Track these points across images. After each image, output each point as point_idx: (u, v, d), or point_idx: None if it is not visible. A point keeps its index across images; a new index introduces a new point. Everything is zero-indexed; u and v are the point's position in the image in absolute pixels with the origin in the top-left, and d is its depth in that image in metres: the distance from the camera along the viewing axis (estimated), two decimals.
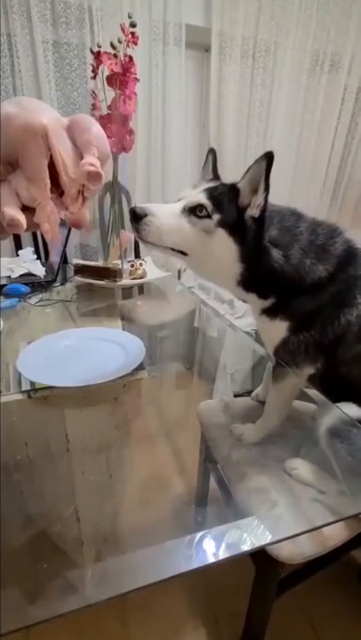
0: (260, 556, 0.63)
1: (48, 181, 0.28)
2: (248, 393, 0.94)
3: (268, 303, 0.62)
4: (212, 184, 0.59)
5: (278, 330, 0.62)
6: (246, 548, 0.40)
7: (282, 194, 2.10)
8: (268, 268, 0.56)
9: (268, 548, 0.58)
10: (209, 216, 0.54)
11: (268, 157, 0.49)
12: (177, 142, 1.87)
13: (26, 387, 0.67)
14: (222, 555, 0.39)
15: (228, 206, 0.54)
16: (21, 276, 1.21)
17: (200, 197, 0.55)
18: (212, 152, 0.66)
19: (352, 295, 0.58)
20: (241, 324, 1.53)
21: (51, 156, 0.28)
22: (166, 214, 0.55)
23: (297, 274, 0.57)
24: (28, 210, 0.29)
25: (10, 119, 0.26)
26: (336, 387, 0.64)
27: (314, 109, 2.04)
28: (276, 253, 0.56)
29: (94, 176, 0.29)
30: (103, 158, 0.30)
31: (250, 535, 0.42)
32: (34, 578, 0.37)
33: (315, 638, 0.90)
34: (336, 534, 0.62)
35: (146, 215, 0.54)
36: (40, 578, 0.37)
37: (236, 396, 1.44)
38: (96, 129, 0.30)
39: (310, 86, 1.99)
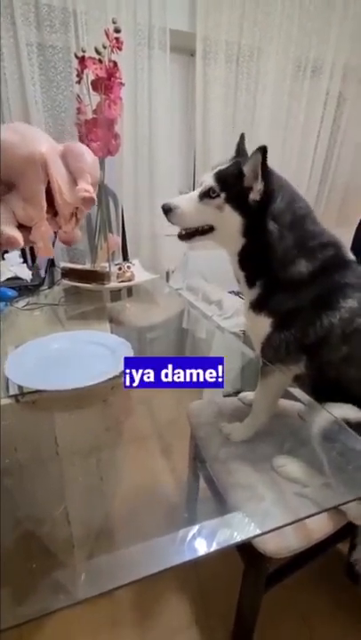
0: (247, 551, 0.65)
1: (45, 204, 0.31)
2: (237, 393, 0.96)
3: (254, 294, 0.66)
4: (225, 165, 0.65)
5: (263, 326, 0.65)
6: (234, 541, 0.42)
7: None
8: (262, 238, 0.61)
9: (256, 543, 0.60)
10: (218, 195, 0.62)
11: (262, 151, 0.57)
12: (164, 145, 1.89)
13: (14, 391, 0.67)
14: (211, 548, 0.40)
15: (234, 184, 0.61)
16: (8, 279, 1.20)
17: (210, 181, 0.63)
18: (241, 137, 0.73)
19: (335, 299, 0.60)
20: (229, 325, 1.55)
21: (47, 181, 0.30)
22: (187, 203, 0.65)
23: (283, 257, 0.61)
24: (22, 227, 0.30)
25: (10, 147, 0.28)
26: (328, 389, 0.65)
27: (297, 114, 2.09)
28: (273, 226, 0.61)
29: (89, 201, 0.32)
30: (95, 183, 0.33)
31: (237, 529, 0.44)
32: (26, 577, 0.37)
33: (305, 631, 0.92)
34: (320, 527, 0.64)
35: (171, 209, 0.65)
36: (32, 577, 0.37)
37: (225, 396, 1.46)
38: (89, 157, 0.32)
39: (293, 91, 2.04)
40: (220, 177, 0.62)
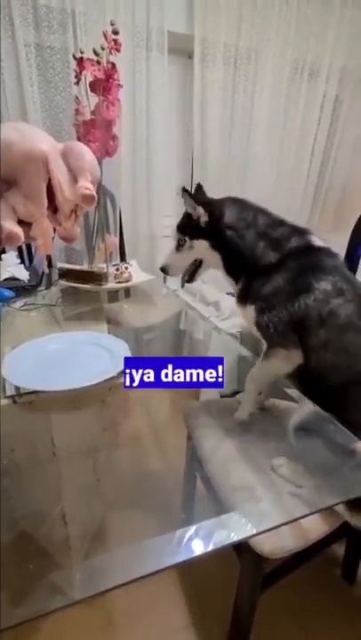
0: (244, 551, 0.65)
1: (46, 201, 0.31)
2: (233, 394, 0.96)
3: (238, 288, 0.76)
4: (179, 220, 0.82)
5: (250, 313, 0.73)
6: (230, 541, 0.42)
7: (265, 198, 2.14)
8: (226, 245, 0.74)
9: (252, 543, 0.60)
10: (185, 241, 0.80)
11: (185, 191, 0.76)
12: (162, 146, 1.89)
13: (11, 392, 0.67)
14: (207, 548, 0.40)
15: (189, 225, 0.79)
16: (5, 280, 1.20)
17: (176, 235, 0.82)
18: (198, 187, 0.87)
19: (308, 282, 0.66)
20: (226, 326, 1.55)
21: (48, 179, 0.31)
22: (172, 258, 0.84)
23: (250, 252, 0.72)
24: (21, 224, 0.31)
25: (11, 144, 0.28)
26: (312, 380, 0.69)
27: (294, 116, 2.09)
28: (230, 232, 0.74)
29: (89, 198, 0.32)
30: (95, 181, 0.33)
31: (234, 529, 0.44)
32: (23, 578, 0.37)
33: (301, 633, 0.92)
34: (317, 527, 0.64)
35: (166, 268, 0.85)
36: (28, 578, 0.37)
37: (222, 396, 1.46)
38: (89, 156, 0.32)
39: (291, 94, 2.04)
40: (179, 228, 0.81)
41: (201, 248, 0.78)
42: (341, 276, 0.68)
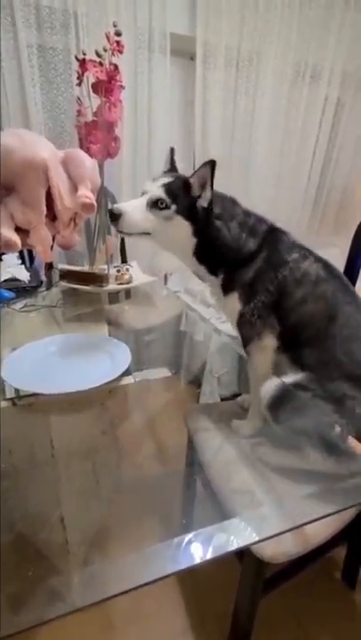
0: (245, 555, 0.64)
1: (44, 208, 0.31)
2: (234, 396, 0.96)
3: (220, 280, 0.73)
4: (169, 178, 0.69)
5: (234, 304, 0.72)
6: (231, 548, 0.41)
7: (266, 199, 2.14)
8: (214, 237, 0.70)
9: (254, 549, 0.59)
10: (167, 207, 0.67)
11: (212, 164, 0.63)
12: (163, 147, 1.89)
13: (10, 394, 0.66)
14: (207, 555, 0.40)
15: (182, 197, 0.67)
16: (5, 281, 1.20)
17: (160, 192, 0.67)
18: (171, 151, 0.82)
19: (282, 257, 0.70)
20: (226, 328, 1.55)
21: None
22: (135, 210, 0.67)
23: (236, 244, 0.70)
24: (20, 231, 0.30)
25: (11, 151, 0.28)
26: (293, 337, 0.70)
27: (296, 118, 2.10)
28: (219, 223, 0.69)
29: (89, 207, 0.32)
30: (95, 189, 0.33)
31: (234, 536, 0.43)
32: (21, 585, 0.37)
33: (301, 638, 0.91)
34: (318, 533, 0.64)
35: (121, 214, 0.66)
36: (27, 584, 0.37)
37: (222, 399, 1.46)
38: (89, 164, 0.32)
39: (292, 96, 2.05)
40: (170, 190, 0.67)
41: (179, 227, 0.68)
42: (301, 247, 0.73)
